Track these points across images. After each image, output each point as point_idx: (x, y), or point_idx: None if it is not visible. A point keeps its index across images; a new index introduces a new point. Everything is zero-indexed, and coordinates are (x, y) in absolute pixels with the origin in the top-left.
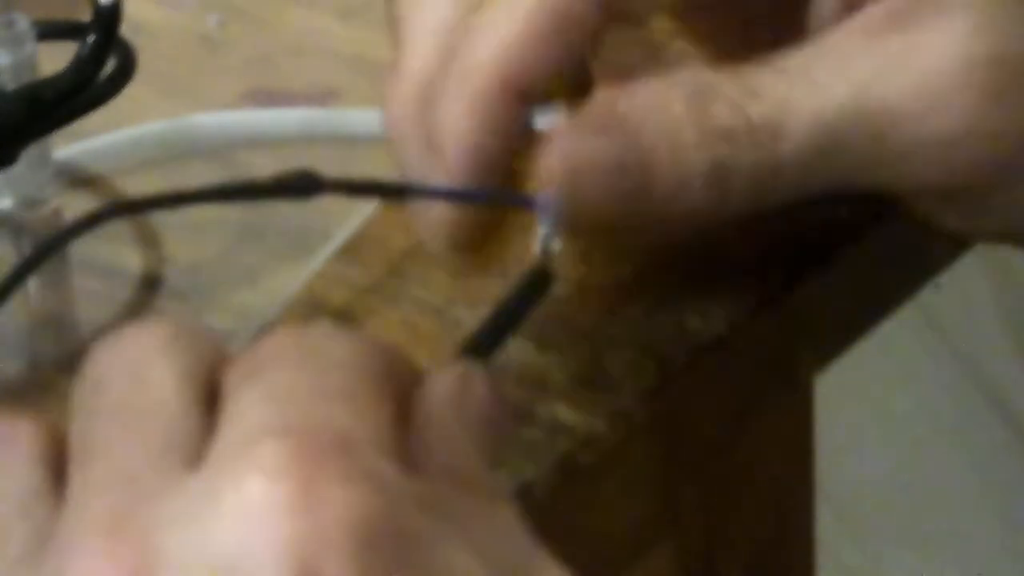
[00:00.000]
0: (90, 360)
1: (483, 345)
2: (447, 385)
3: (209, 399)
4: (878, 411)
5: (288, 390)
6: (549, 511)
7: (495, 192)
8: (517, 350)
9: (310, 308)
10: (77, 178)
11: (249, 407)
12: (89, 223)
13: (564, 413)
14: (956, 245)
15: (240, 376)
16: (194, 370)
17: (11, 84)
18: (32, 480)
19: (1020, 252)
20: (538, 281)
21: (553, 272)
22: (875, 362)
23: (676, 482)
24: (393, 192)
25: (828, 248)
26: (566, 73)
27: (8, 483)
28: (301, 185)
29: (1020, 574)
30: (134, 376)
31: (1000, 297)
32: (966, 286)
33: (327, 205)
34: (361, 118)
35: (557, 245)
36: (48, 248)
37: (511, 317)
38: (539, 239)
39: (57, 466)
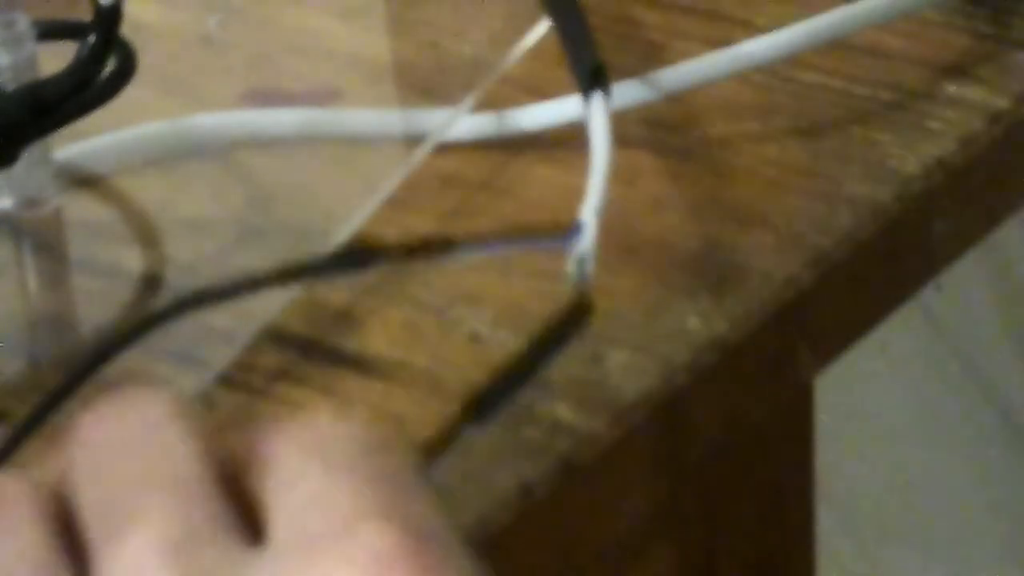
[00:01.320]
0: (84, 424)
1: (516, 379)
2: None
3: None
4: (878, 411)
5: (356, 486)
6: (549, 511)
7: (530, 239)
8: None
9: (310, 308)
10: (77, 178)
11: (325, 493)
12: (158, 320)
13: (564, 413)
14: (956, 245)
15: (272, 472)
16: (207, 439)
17: (11, 84)
18: (43, 544)
19: (1020, 252)
20: (577, 313)
21: (591, 303)
22: (875, 362)
23: (676, 482)
24: (443, 249)
25: (828, 248)
26: None
27: (15, 547)
28: (360, 259)
29: (1020, 574)
30: (156, 445)
31: (1000, 297)
32: (966, 286)
33: (327, 205)
34: (361, 118)
35: (589, 269)
36: (115, 344)
37: (545, 351)
38: (572, 271)
39: (63, 528)
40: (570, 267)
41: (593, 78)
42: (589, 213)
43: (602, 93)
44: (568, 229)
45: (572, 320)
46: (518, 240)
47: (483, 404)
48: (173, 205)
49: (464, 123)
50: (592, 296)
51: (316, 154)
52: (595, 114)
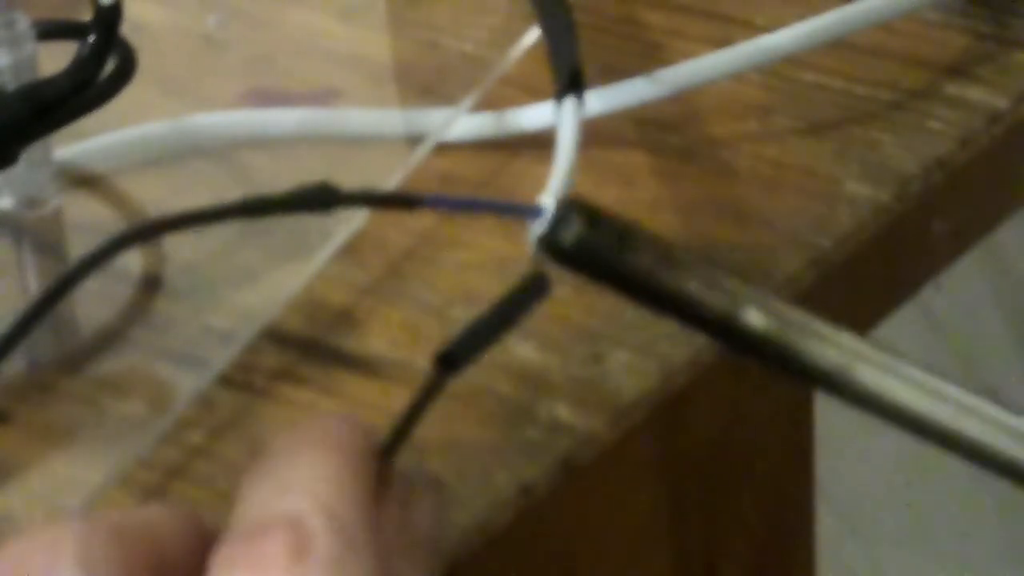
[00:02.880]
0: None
1: (467, 348)
2: None
3: None
4: None
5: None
6: (549, 511)
7: (494, 202)
8: (517, 350)
9: (310, 308)
10: (77, 178)
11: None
12: (104, 255)
13: (564, 413)
14: (956, 245)
15: None
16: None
17: (11, 84)
18: None
19: (1020, 252)
20: (534, 286)
21: (548, 278)
22: None
23: (676, 482)
24: (407, 202)
25: (828, 248)
26: None
27: None
28: (319, 198)
29: (1020, 575)
30: None
31: (1000, 297)
32: (966, 286)
33: None
34: (361, 118)
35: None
36: (61, 287)
37: (501, 321)
38: (531, 245)
39: None
40: (530, 246)
41: (570, 82)
42: (549, 199)
43: (575, 97)
44: (533, 208)
45: (532, 293)
46: (486, 205)
47: (450, 359)
48: (173, 205)
49: (464, 123)
50: (549, 275)
51: (316, 154)
52: (565, 117)
